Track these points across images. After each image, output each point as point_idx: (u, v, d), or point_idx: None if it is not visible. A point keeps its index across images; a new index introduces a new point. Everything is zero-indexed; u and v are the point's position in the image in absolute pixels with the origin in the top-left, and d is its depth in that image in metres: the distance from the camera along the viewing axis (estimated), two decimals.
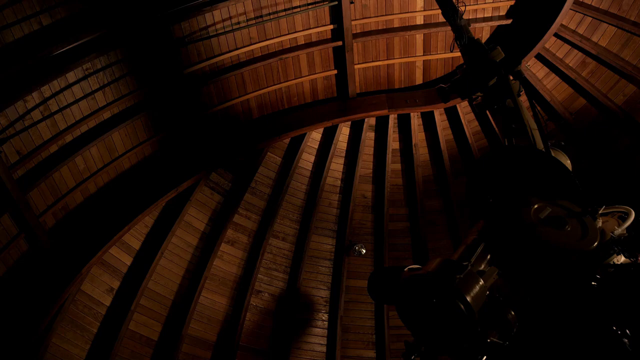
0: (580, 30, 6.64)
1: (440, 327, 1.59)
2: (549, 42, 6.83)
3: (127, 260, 6.52)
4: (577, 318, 1.60)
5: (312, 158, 7.77)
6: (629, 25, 6.19)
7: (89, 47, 5.41)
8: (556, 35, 6.76)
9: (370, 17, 6.91)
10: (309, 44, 6.97)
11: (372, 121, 7.77)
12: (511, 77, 2.92)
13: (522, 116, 2.63)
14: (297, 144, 7.59)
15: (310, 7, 6.58)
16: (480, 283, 1.63)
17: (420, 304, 1.61)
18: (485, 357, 1.58)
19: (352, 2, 6.63)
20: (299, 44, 6.94)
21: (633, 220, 2.13)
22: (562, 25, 6.65)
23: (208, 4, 6.01)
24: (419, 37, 7.16)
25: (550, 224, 1.88)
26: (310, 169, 7.76)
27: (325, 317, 7.53)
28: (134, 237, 6.58)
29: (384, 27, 7.06)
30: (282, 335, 7.29)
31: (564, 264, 1.76)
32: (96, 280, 6.23)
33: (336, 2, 6.58)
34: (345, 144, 7.86)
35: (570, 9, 6.47)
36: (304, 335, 7.40)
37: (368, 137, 7.80)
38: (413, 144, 7.68)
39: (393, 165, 7.83)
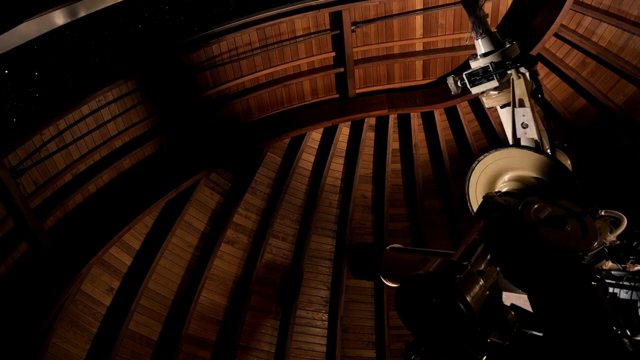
0: (580, 30, 6.64)
1: (440, 327, 1.59)
2: (549, 42, 6.84)
3: (127, 260, 6.52)
4: (576, 318, 1.61)
5: (312, 158, 7.77)
6: (629, 25, 6.19)
7: (104, 79, 5.73)
8: (556, 35, 6.76)
9: (371, 44, 7.12)
10: (311, 71, 7.20)
11: (372, 121, 7.77)
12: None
13: (532, 116, 2.61)
14: (297, 144, 7.59)
15: (312, 36, 6.85)
16: (480, 283, 1.63)
17: (420, 304, 1.61)
18: (485, 357, 1.58)
19: (353, 31, 6.82)
20: (302, 70, 7.16)
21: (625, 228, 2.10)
22: (562, 25, 6.65)
23: (215, 35, 6.26)
24: (418, 63, 7.37)
25: (550, 224, 1.88)
26: (310, 169, 7.76)
27: (325, 317, 7.53)
28: (134, 237, 6.58)
29: (385, 54, 7.28)
30: (282, 336, 7.29)
31: (564, 264, 1.77)
32: (96, 280, 6.23)
33: (338, 31, 6.81)
34: (345, 144, 7.86)
35: (570, 9, 6.47)
36: (304, 335, 7.40)
37: (368, 137, 7.80)
38: (413, 144, 7.68)
39: (393, 165, 7.83)
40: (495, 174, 2.49)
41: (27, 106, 15.46)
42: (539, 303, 1.75)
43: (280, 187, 7.51)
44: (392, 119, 7.65)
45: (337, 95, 7.50)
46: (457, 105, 7.47)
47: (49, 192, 5.72)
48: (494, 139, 7.53)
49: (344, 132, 7.81)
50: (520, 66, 2.65)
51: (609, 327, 1.53)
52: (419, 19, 7.00)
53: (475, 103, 7.57)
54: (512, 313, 1.65)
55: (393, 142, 7.77)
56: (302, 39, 6.79)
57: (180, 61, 6.31)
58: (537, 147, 2.55)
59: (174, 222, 6.76)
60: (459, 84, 2.89)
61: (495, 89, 2.79)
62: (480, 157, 2.51)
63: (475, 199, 2.62)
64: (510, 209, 2.13)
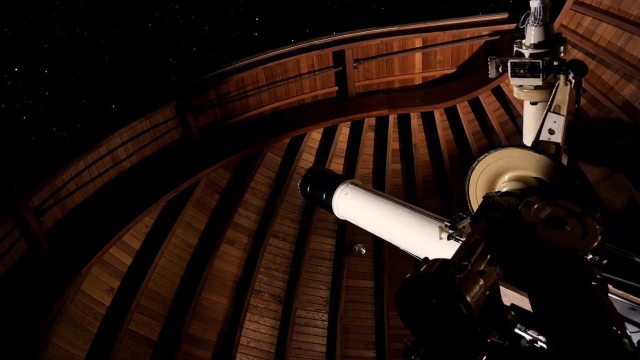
0: (580, 30, 6.64)
1: (440, 328, 1.59)
2: None
3: (127, 260, 6.52)
4: (576, 318, 1.61)
5: (312, 158, 7.77)
6: (629, 25, 6.19)
7: (120, 121, 6.27)
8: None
9: (372, 79, 7.48)
10: (315, 103, 7.57)
11: (371, 121, 7.77)
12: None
13: (563, 125, 2.53)
14: (297, 144, 7.59)
15: (317, 73, 7.28)
16: (480, 283, 1.63)
17: (420, 304, 1.62)
18: (485, 357, 1.58)
19: (355, 67, 7.20)
20: (306, 102, 7.55)
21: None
22: (562, 25, 6.66)
23: (225, 75, 6.67)
24: None
25: (550, 224, 1.88)
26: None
27: (325, 317, 7.53)
28: (134, 237, 6.58)
29: (385, 88, 7.62)
30: (281, 336, 7.29)
31: (564, 264, 1.77)
32: (96, 280, 6.23)
33: (341, 68, 7.23)
34: (345, 144, 7.86)
35: (570, 9, 6.47)
36: (304, 335, 7.40)
37: (368, 137, 7.80)
38: (413, 144, 7.68)
39: (393, 165, 7.82)
40: (495, 174, 2.49)
41: (36, 104, 15.60)
42: (539, 303, 1.75)
43: (280, 187, 7.50)
44: (392, 119, 7.65)
45: (337, 95, 7.56)
46: (457, 105, 7.47)
47: (65, 221, 6.07)
48: (494, 139, 7.53)
49: (343, 132, 7.81)
50: (572, 73, 2.48)
51: (609, 327, 1.53)
52: (418, 55, 7.38)
53: (475, 103, 7.57)
54: (512, 313, 1.65)
55: (393, 142, 7.77)
56: (306, 76, 7.20)
57: (191, 101, 6.66)
58: (536, 147, 2.54)
59: (174, 222, 6.76)
60: (500, 69, 2.71)
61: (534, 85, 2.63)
62: (480, 157, 2.50)
63: (475, 199, 2.62)
64: (510, 209, 2.12)
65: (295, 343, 7.32)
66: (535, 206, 1.99)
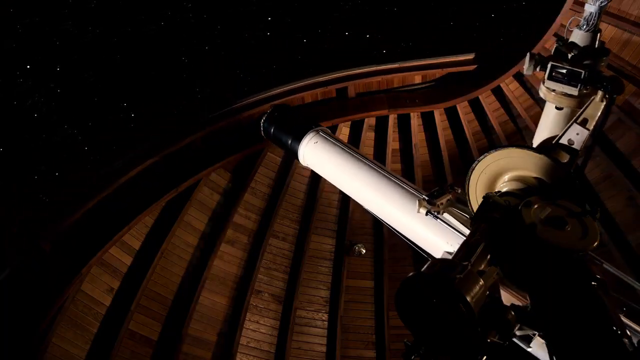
0: None
1: (440, 328, 1.59)
2: (548, 42, 6.84)
3: (127, 260, 6.52)
4: (576, 317, 1.61)
5: None
6: (629, 25, 6.19)
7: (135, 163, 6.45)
8: (556, 35, 6.76)
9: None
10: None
11: (371, 121, 7.77)
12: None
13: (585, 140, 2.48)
14: None
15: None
16: (480, 283, 1.63)
17: (420, 304, 1.62)
18: (485, 357, 1.58)
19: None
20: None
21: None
22: (562, 25, 6.66)
23: (235, 112, 6.96)
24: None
25: (550, 224, 1.88)
26: (310, 169, 7.75)
27: (325, 317, 7.53)
28: (134, 237, 6.58)
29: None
30: (281, 336, 7.29)
31: (564, 264, 1.77)
32: (96, 280, 6.22)
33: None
34: None
35: (570, 9, 6.47)
36: (304, 335, 7.40)
37: (368, 137, 7.80)
38: (413, 144, 7.68)
39: (393, 165, 7.83)
40: (496, 174, 2.48)
41: (48, 102, 15.63)
42: (539, 303, 1.75)
43: (280, 187, 7.51)
44: (392, 119, 7.65)
45: (337, 95, 7.56)
46: (457, 105, 7.48)
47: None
48: (494, 139, 7.53)
49: (343, 132, 7.81)
50: (610, 90, 2.40)
51: (609, 327, 1.53)
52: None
53: (475, 103, 7.57)
54: (512, 313, 1.65)
55: (393, 142, 7.78)
56: None
57: (200, 137, 6.84)
58: (537, 147, 2.54)
59: (174, 222, 6.76)
60: (537, 69, 2.59)
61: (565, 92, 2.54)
62: (480, 157, 2.49)
63: (475, 199, 2.62)
64: (510, 209, 2.13)
65: (295, 343, 7.32)
66: (535, 206, 1.99)
